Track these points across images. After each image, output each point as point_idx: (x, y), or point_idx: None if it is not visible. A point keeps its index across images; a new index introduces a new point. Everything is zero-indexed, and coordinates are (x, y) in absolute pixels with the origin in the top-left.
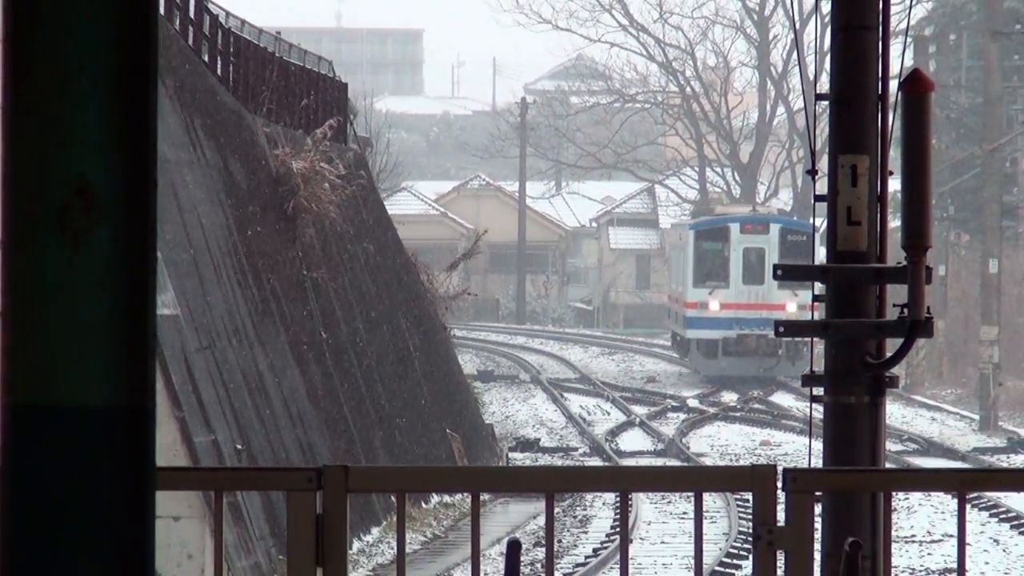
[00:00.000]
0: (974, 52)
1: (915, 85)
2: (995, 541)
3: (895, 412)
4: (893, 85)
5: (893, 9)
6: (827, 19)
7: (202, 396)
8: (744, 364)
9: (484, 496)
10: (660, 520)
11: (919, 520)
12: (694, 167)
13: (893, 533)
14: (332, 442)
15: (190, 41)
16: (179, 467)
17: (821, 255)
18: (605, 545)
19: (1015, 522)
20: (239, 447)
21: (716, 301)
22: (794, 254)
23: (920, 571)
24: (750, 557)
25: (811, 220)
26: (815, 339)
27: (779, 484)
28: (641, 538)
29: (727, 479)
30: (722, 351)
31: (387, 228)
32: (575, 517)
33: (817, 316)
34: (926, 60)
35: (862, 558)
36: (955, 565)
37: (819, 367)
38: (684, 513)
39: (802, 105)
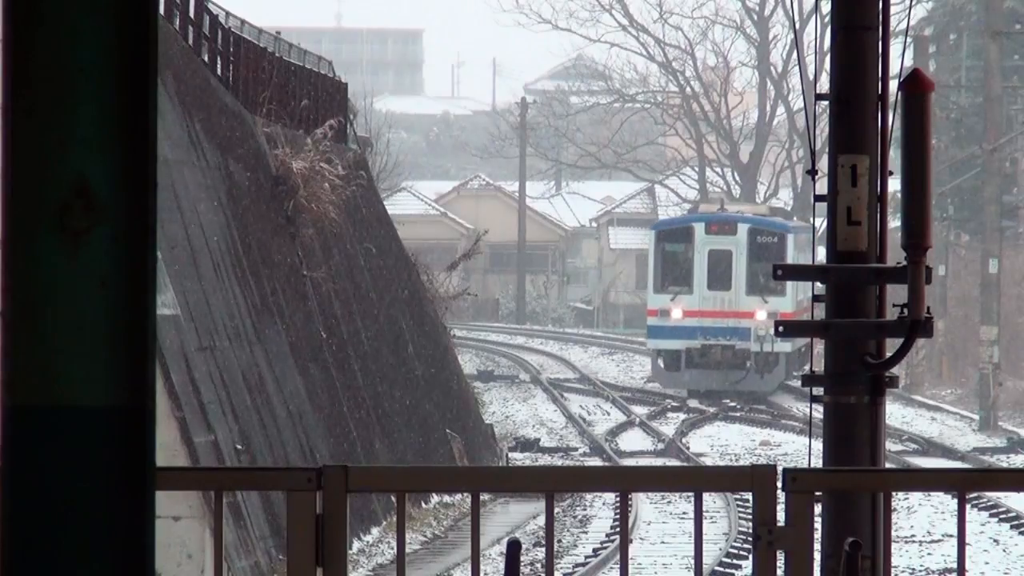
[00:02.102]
0: (974, 52)
1: (915, 85)
2: (995, 541)
3: (895, 412)
4: (893, 85)
5: (893, 9)
6: (827, 19)
7: (202, 396)
8: (709, 377)
9: (484, 496)
10: (660, 520)
11: (919, 520)
12: (694, 167)
13: (893, 533)
14: (332, 442)
15: (190, 41)
16: (179, 467)
17: (794, 255)
18: (605, 545)
19: (1015, 522)
20: (239, 447)
21: (679, 308)
22: (764, 257)
23: (920, 571)
24: (750, 557)
25: (781, 220)
26: (814, 339)
27: (779, 484)
28: (641, 538)
29: (727, 479)
30: (685, 362)
31: (387, 228)
32: (575, 517)
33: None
34: (926, 60)
35: (862, 558)
36: (955, 565)
37: (818, 367)
38: (684, 513)
39: (802, 105)
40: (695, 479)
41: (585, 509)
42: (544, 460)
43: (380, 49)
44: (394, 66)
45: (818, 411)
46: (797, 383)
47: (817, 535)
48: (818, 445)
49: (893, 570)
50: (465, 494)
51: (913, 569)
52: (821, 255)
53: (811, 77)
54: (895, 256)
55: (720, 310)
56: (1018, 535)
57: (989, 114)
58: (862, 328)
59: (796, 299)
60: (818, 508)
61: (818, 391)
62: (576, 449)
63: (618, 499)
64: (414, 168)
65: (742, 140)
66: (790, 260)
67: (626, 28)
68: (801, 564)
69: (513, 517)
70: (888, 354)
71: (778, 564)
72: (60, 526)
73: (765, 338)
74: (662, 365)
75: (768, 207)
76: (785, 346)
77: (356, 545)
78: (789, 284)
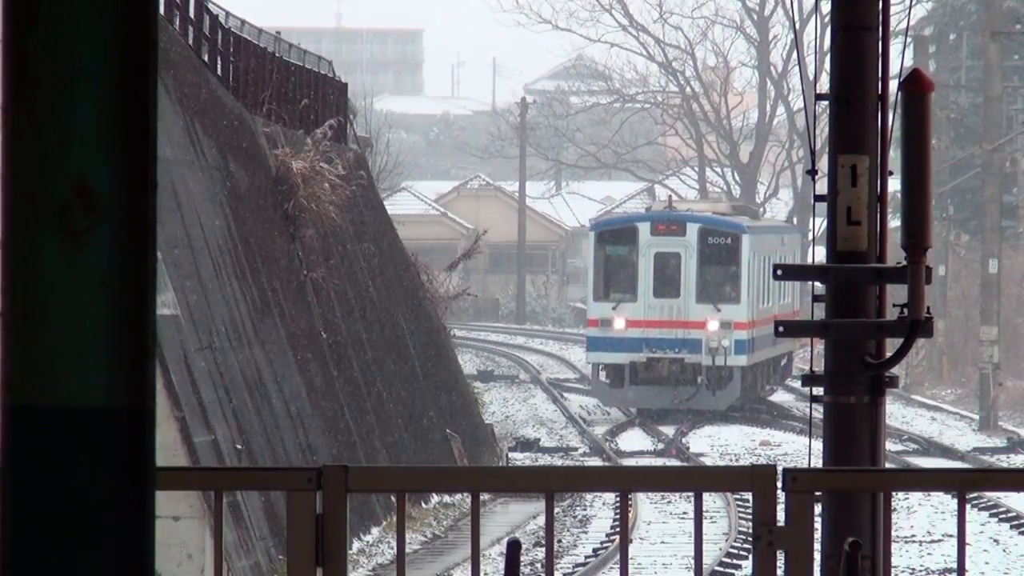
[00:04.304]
0: (974, 52)
1: (915, 85)
2: (995, 541)
3: (895, 412)
4: (893, 85)
5: (893, 9)
6: (827, 19)
7: (202, 396)
8: (655, 394)
9: (484, 496)
10: (660, 520)
11: (919, 520)
12: (694, 167)
13: (893, 533)
14: (332, 442)
15: (190, 41)
16: (179, 467)
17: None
18: (605, 545)
19: (1015, 522)
20: (239, 447)
21: (622, 318)
22: (716, 260)
23: (920, 571)
24: (750, 557)
25: (736, 219)
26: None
27: (779, 484)
28: (641, 538)
29: (727, 479)
30: (629, 378)
31: (387, 228)
32: (575, 517)
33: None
34: (926, 60)
35: (862, 558)
36: (955, 565)
37: (818, 367)
38: (684, 513)
39: (802, 105)
40: (695, 479)
41: (585, 509)
42: (544, 460)
43: (380, 49)
44: (394, 66)
45: (818, 411)
46: (797, 384)
47: (817, 535)
48: (818, 445)
49: (893, 570)
50: (465, 494)
51: (913, 569)
52: (820, 255)
53: (811, 77)
54: (895, 256)
55: (668, 320)
56: (1018, 535)
57: (989, 114)
58: (862, 328)
59: (754, 307)
60: (818, 508)
61: (818, 391)
62: (576, 449)
63: (618, 499)
64: (414, 168)
65: (742, 140)
66: (745, 263)
67: (626, 28)
68: (801, 564)
69: (513, 517)
70: (888, 354)
71: (778, 564)
72: (60, 526)
73: (718, 350)
74: (604, 380)
75: (731, 204)
76: (740, 359)
77: (356, 545)
78: (744, 291)
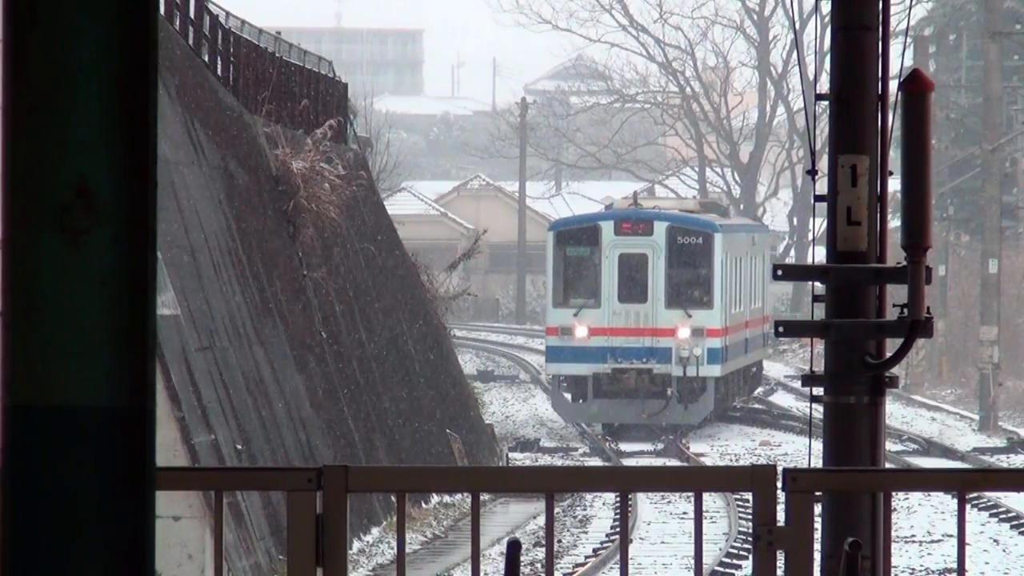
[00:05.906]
0: (974, 52)
1: (915, 85)
2: (995, 541)
3: (895, 412)
4: (893, 85)
5: (893, 9)
6: (827, 19)
7: (202, 396)
8: (622, 408)
9: (484, 496)
10: (660, 520)
11: (919, 520)
12: (694, 167)
13: (893, 533)
14: (332, 442)
15: (190, 41)
16: (179, 467)
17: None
18: (605, 545)
19: (1015, 522)
20: (239, 447)
21: (584, 326)
22: (686, 261)
23: (920, 571)
24: (750, 557)
25: (707, 217)
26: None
27: (779, 484)
28: (641, 538)
29: (727, 479)
30: (593, 391)
31: (387, 228)
32: (575, 517)
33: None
34: (926, 60)
35: (862, 558)
36: (955, 565)
37: (818, 367)
38: (684, 513)
39: (802, 105)
40: (695, 479)
41: (585, 509)
42: (544, 460)
43: (380, 49)
44: (394, 66)
45: (818, 411)
46: (798, 383)
47: (817, 535)
48: (818, 445)
49: (893, 570)
50: (465, 494)
51: (913, 569)
52: (820, 255)
53: (811, 77)
54: (895, 256)
55: (634, 327)
56: (1018, 535)
57: (989, 114)
58: (862, 328)
59: (727, 312)
60: (818, 508)
61: (818, 391)
62: (576, 449)
63: (618, 499)
64: (414, 168)
65: (742, 140)
66: (718, 265)
67: (626, 28)
68: (801, 564)
69: (513, 517)
70: (888, 354)
71: (778, 564)
72: (60, 526)
73: (689, 360)
74: (565, 394)
75: (699, 202)
76: (713, 370)
77: (356, 545)
78: (718, 295)
